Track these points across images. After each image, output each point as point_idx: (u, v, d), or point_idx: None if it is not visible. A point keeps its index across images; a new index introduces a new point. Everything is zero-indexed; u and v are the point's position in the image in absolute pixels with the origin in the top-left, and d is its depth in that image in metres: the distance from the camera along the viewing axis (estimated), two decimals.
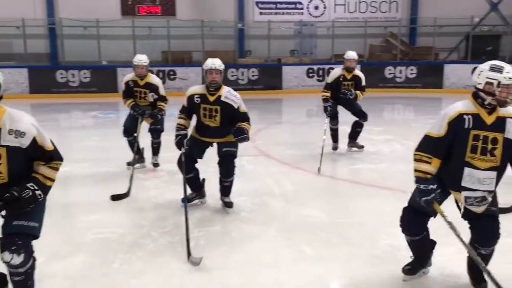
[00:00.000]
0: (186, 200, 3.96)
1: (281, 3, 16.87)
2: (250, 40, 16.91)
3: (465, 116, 2.63)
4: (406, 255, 3.05)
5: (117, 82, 14.11)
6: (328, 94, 6.42)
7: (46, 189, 2.43)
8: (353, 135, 6.75)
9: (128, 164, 5.67)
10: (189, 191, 4.32)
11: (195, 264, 3.25)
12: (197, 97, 4.25)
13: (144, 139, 5.87)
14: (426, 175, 2.67)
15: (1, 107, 2.34)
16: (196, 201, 4.53)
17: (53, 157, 2.45)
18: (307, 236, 3.81)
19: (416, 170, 2.70)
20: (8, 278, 2.49)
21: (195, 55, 15.83)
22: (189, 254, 3.35)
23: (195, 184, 4.47)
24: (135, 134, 5.64)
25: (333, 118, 6.55)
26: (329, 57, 16.10)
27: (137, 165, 5.66)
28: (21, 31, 14.84)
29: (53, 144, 2.47)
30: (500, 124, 2.61)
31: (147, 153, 6.00)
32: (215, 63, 4.19)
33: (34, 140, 2.34)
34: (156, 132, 5.82)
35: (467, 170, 2.65)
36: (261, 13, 16.78)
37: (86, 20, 14.98)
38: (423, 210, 2.72)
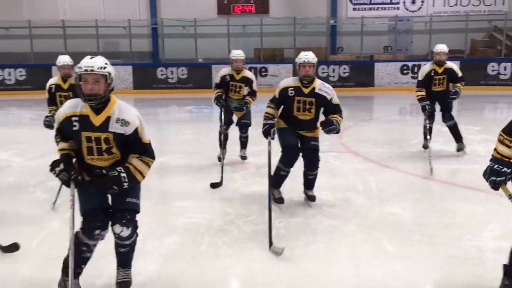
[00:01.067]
0: (271, 192, 4.10)
1: None
2: (342, 36, 16.76)
3: None
4: (492, 258, 2.95)
5: (211, 78, 14.72)
6: (423, 93, 6.16)
7: (133, 180, 2.63)
8: (458, 136, 6.43)
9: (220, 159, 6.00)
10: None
11: (277, 254, 3.39)
12: (291, 90, 4.30)
13: (232, 132, 6.15)
14: (503, 157, 2.56)
15: (113, 98, 2.67)
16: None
17: (147, 151, 2.70)
18: (388, 233, 3.81)
19: (495, 150, 2.59)
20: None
21: (286, 52, 16.04)
22: (271, 243, 3.51)
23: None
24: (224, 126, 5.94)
25: (431, 116, 6.29)
26: (425, 53, 15.45)
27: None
28: (127, 31, 16.07)
29: (149, 141, 2.73)
30: None
31: (236, 147, 6.25)
32: (308, 56, 4.26)
33: (135, 130, 2.63)
34: (244, 126, 6.06)
35: None
36: (354, 9, 16.54)
37: (185, 20, 15.82)
38: None
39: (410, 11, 16.41)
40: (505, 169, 2.51)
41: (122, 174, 2.58)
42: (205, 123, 10.13)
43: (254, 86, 5.95)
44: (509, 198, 2.55)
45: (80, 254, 2.67)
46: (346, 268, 3.23)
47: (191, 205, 4.57)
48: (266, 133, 4.21)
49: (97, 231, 2.64)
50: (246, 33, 16.19)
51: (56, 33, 15.99)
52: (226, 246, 3.62)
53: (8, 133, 9.27)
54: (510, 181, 2.58)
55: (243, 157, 6.23)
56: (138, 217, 2.79)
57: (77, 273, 2.75)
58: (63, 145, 2.75)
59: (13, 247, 3.43)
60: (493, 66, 14.59)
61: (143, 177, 2.70)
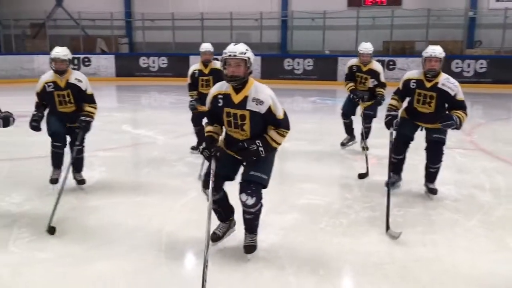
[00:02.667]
0: (390, 181, 4.21)
1: None
2: (481, 29, 15.65)
3: None
4: None
5: (337, 70, 14.83)
6: None
7: (269, 148, 3.05)
8: None
9: (342, 144, 6.20)
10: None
11: (393, 238, 3.54)
12: (413, 82, 4.35)
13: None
14: None
15: (251, 80, 3.05)
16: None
17: (280, 124, 3.05)
18: None
19: None
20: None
21: (417, 45, 15.45)
22: (387, 227, 3.65)
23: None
24: (352, 117, 6.11)
25: None
26: None
27: (349, 143, 6.18)
28: (258, 23, 16.80)
29: (285, 115, 3.07)
30: None
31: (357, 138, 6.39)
32: (435, 50, 4.25)
33: (269, 109, 2.98)
34: (368, 117, 6.15)
35: None
36: (497, 0, 15.30)
37: (315, 12, 16.07)
38: None
39: None
40: None
41: (260, 148, 3.00)
42: (328, 114, 10.31)
43: (382, 78, 5.99)
44: None
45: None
46: (463, 260, 3.26)
47: (312, 188, 4.85)
48: (389, 123, 4.33)
49: (212, 190, 3.04)
50: (376, 25, 15.93)
51: (194, 25, 17.31)
52: (343, 227, 3.84)
53: (151, 114, 10.43)
54: None
55: (365, 148, 6.33)
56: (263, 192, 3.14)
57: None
58: (209, 128, 3.24)
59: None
60: None
61: (279, 144, 3.09)
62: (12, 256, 3.31)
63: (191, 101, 5.69)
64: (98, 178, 5.01)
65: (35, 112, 4.43)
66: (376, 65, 6.10)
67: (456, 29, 15.67)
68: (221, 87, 3.11)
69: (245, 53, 2.98)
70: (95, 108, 4.54)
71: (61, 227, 3.76)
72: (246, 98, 3.01)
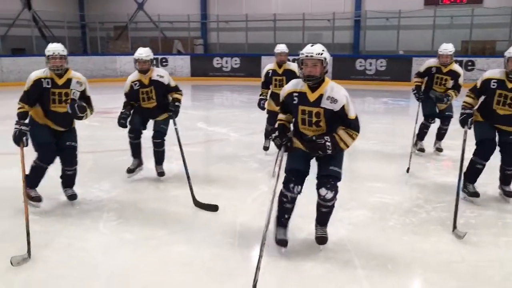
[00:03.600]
0: (464, 186, 4.15)
1: None
2: None
3: None
4: None
5: (411, 71, 14.47)
6: None
7: (337, 146, 3.13)
8: None
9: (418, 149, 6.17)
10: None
11: (458, 237, 3.52)
12: (494, 82, 4.20)
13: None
14: None
15: (327, 79, 3.18)
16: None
17: (351, 125, 3.15)
18: None
19: None
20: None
21: (499, 45, 14.72)
22: (454, 227, 3.63)
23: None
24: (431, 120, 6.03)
25: None
26: None
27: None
28: (330, 24, 16.77)
29: (356, 117, 3.16)
30: None
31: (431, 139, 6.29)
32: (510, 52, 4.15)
33: (342, 107, 3.09)
34: (447, 118, 5.97)
35: None
36: None
37: (389, 12, 15.78)
38: None
39: None
40: None
41: (327, 143, 3.10)
42: (400, 115, 10.16)
43: (460, 81, 5.84)
44: None
45: (282, 204, 3.28)
46: None
47: (382, 187, 4.88)
48: (464, 122, 4.22)
49: (291, 185, 3.20)
50: (454, 24, 15.38)
51: (267, 26, 17.61)
52: (413, 225, 3.86)
53: (224, 112, 10.81)
54: None
55: (439, 149, 6.22)
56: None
57: (282, 223, 3.36)
58: (281, 116, 3.40)
59: (213, 207, 4.19)
60: None
61: (347, 146, 3.16)
62: (102, 237, 3.67)
63: (260, 99, 5.89)
64: (176, 171, 5.35)
65: (123, 111, 4.83)
66: (457, 67, 5.92)
67: None
68: (297, 85, 3.26)
69: (321, 54, 3.12)
70: (181, 94, 4.91)
71: (144, 213, 4.11)
72: (321, 96, 3.14)
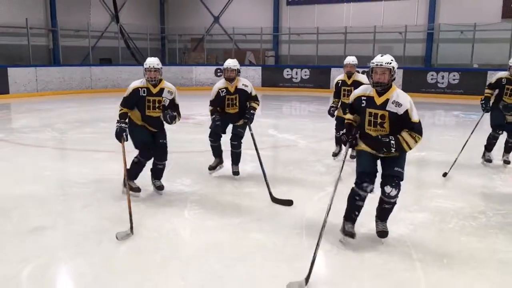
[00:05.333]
0: None
1: None
2: None
3: None
4: None
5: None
6: None
7: (400, 147, 3.45)
8: None
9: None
10: None
11: None
12: None
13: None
14: None
15: (393, 86, 3.53)
16: None
17: (414, 128, 3.46)
18: None
19: None
20: None
21: None
22: None
23: None
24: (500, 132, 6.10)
25: None
26: None
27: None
28: (402, 36, 16.77)
29: (419, 121, 3.47)
30: None
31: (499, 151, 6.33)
32: None
33: (406, 111, 3.43)
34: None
35: None
36: None
37: (464, 25, 15.54)
38: None
39: None
40: None
41: (392, 142, 3.44)
42: (470, 128, 10.06)
43: None
44: None
45: (354, 202, 3.63)
46: None
47: (445, 193, 5.09)
48: None
49: (365, 184, 3.55)
50: None
51: (338, 38, 17.91)
52: (472, 228, 4.07)
53: (293, 121, 11.26)
54: None
55: (506, 161, 6.26)
56: None
57: (352, 218, 3.72)
58: (349, 116, 3.79)
59: (288, 202, 4.65)
60: None
61: (410, 148, 3.48)
62: (187, 222, 4.22)
63: (331, 107, 6.26)
64: (250, 171, 5.84)
65: (214, 116, 5.37)
66: None
67: None
68: (366, 90, 3.64)
69: (390, 63, 3.50)
70: (258, 104, 5.44)
71: (222, 205, 4.64)
72: (387, 100, 3.50)
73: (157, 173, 4.95)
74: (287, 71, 18.13)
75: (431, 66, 16.88)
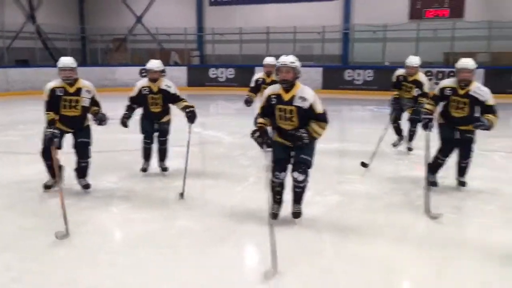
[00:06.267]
0: (430, 181, 4.85)
1: None
2: None
3: None
4: None
5: None
6: None
7: (311, 136, 3.85)
8: None
9: (394, 145, 6.98)
10: None
11: (434, 219, 4.18)
12: (448, 90, 4.92)
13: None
14: None
15: (298, 83, 3.91)
16: None
17: (320, 118, 3.87)
18: None
19: None
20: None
21: (479, 57, 15.52)
22: (428, 211, 4.31)
23: None
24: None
25: None
26: None
27: (400, 143, 7.06)
28: (320, 36, 17.62)
29: (324, 111, 3.89)
30: None
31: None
32: (468, 64, 4.80)
33: (311, 105, 3.83)
34: (414, 121, 6.76)
35: None
36: None
37: (375, 25, 16.65)
38: None
39: None
40: None
41: (304, 134, 3.83)
42: (383, 121, 10.89)
43: (425, 89, 6.59)
44: None
45: (273, 188, 4.02)
46: (476, 231, 3.93)
47: (355, 178, 5.61)
48: (425, 126, 4.94)
49: (277, 173, 3.95)
50: (436, 37, 16.21)
51: (260, 38, 18.43)
52: (378, 206, 4.59)
53: (219, 119, 11.56)
54: None
55: (409, 149, 6.97)
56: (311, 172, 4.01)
57: (276, 201, 4.10)
58: (261, 120, 4.08)
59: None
60: None
61: (319, 135, 3.90)
62: (115, 216, 4.39)
63: (247, 96, 6.53)
64: (178, 167, 6.05)
65: (126, 113, 5.51)
66: (422, 77, 6.71)
67: None
68: (274, 89, 4.00)
69: (293, 63, 3.87)
70: (186, 101, 5.51)
71: (150, 199, 4.84)
72: (293, 96, 3.87)
73: (81, 172, 5.02)
74: (213, 71, 18.38)
75: (348, 64, 17.87)
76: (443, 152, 5.09)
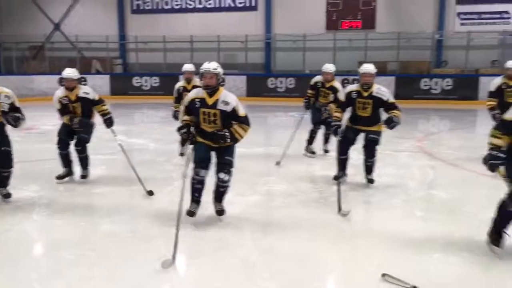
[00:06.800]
0: (340, 177, 5.28)
1: (485, 13, 16.53)
2: (447, 50, 17.03)
3: None
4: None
5: None
6: (494, 103, 6.87)
7: (233, 137, 4.12)
8: None
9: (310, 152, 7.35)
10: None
11: (344, 215, 4.59)
12: (354, 93, 5.40)
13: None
14: (497, 147, 3.47)
15: (221, 88, 4.16)
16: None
17: (242, 121, 4.14)
18: (423, 206, 4.83)
19: (490, 143, 3.52)
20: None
21: (390, 65, 16.76)
22: (339, 208, 4.71)
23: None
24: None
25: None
26: None
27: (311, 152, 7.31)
28: (244, 45, 18.08)
29: (246, 114, 4.16)
30: None
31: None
32: (368, 68, 5.30)
33: (233, 109, 4.09)
34: (330, 124, 7.22)
35: None
36: (462, 24, 16.74)
37: (296, 35, 17.39)
38: None
39: None
40: (499, 154, 3.44)
41: (226, 134, 4.08)
42: (304, 126, 11.45)
43: (339, 95, 7.09)
44: (503, 178, 3.48)
45: (193, 185, 4.22)
46: (379, 221, 4.38)
47: (274, 179, 5.95)
48: (335, 133, 5.41)
49: (197, 170, 4.16)
50: (352, 47, 17.24)
51: (185, 47, 18.55)
52: (295, 203, 4.93)
53: (144, 127, 11.53)
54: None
55: (326, 151, 7.45)
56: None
57: (195, 200, 4.28)
58: (186, 117, 4.31)
59: (151, 193, 5.11)
60: None
61: (241, 137, 4.15)
62: (36, 223, 4.37)
63: (175, 111, 6.74)
64: (100, 174, 6.06)
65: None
66: (337, 84, 7.22)
67: (424, 50, 17.02)
68: (198, 93, 4.23)
69: (216, 69, 4.13)
70: (105, 105, 5.62)
71: (72, 206, 4.84)
72: (217, 100, 4.12)
73: (2, 181, 4.92)
74: (137, 79, 18.21)
75: (271, 72, 18.48)
76: (342, 151, 5.52)
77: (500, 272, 3.39)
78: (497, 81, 6.99)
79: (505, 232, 3.63)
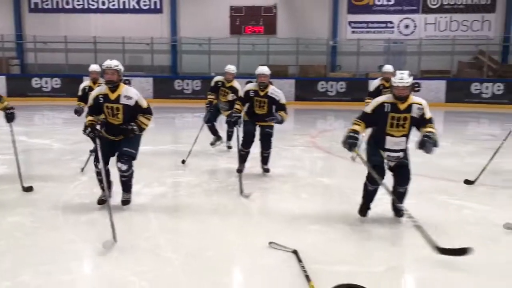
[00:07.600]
0: (241, 168, 5.83)
1: (372, 22, 18.23)
2: (341, 56, 18.50)
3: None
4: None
5: None
6: (370, 102, 7.86)
7: (140, 128, 4.51)
8: None
9: (211, 144, 7.82)
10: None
11: (246, 197, 5.13)
12: (252, 92, 6.04)
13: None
14: (355, 131, 4.26)
15: (122, 84, 4.51)
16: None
17: (146, 112, 4.54)
18: (313, 191, 5.57)
19: (350, 129, 4.30)
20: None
21: (290, 69, 17.84)
22: (241, 191, 5.25)
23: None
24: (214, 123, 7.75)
25: None
26: (415, 73, 17.03)
27: (217, 143, 7.87)
28: (150, 48, 18.17)
29: (148, 105, 4.55)
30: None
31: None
32: (263, 70, 6.01)
33: (136, 102, 4.47)
34: (230, 123, 7.80)
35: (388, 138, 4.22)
36: (353, 32, 18.30)
37: (201, 38, 17.84)
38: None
39: (403, 34, 18.08)
40: (356, 135, 4.21)
41: (134, 126, 4.46)
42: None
43: (239, 94, 7.66)
44: (359, 157, 4.25)
45: (98, 178, 4.55)
46: (273, 202, 4.99)
47: (180, 172, 6.37)
48: (234, 122, 5.97)
49: (96, 163, 4.48)
50: (255, 51, 18.04)
51: (88, 48, 18.18)
52: (200, 192, 5.40)
53: (46, 128, 11.32)
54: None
55: (229, 147, 8.00)
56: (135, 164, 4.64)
57: (102, 188, 4.57)
58: (90, 117, 4.59)
59: (30, 189, 5.29)
60: (476, 86, 16.08)
61: (147, 126, 4.56)
62: None
63: (78, 105, 6.84)
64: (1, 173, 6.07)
65: None
66: (237, 84, 7.80)
67: (321, 55, 18.30)
68: (100, 90, 4.56)
69: (117, 66, 4.48)
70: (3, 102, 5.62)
71: None
72: (119, 96, 4.47)
73: None
74: (36, 80, 17.52)
75: (177, 74, 18.74)
76: (245, 144, 6.12)
77: (365, 239, 4.15)
78: (376, 82, 7.98)
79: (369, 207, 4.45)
